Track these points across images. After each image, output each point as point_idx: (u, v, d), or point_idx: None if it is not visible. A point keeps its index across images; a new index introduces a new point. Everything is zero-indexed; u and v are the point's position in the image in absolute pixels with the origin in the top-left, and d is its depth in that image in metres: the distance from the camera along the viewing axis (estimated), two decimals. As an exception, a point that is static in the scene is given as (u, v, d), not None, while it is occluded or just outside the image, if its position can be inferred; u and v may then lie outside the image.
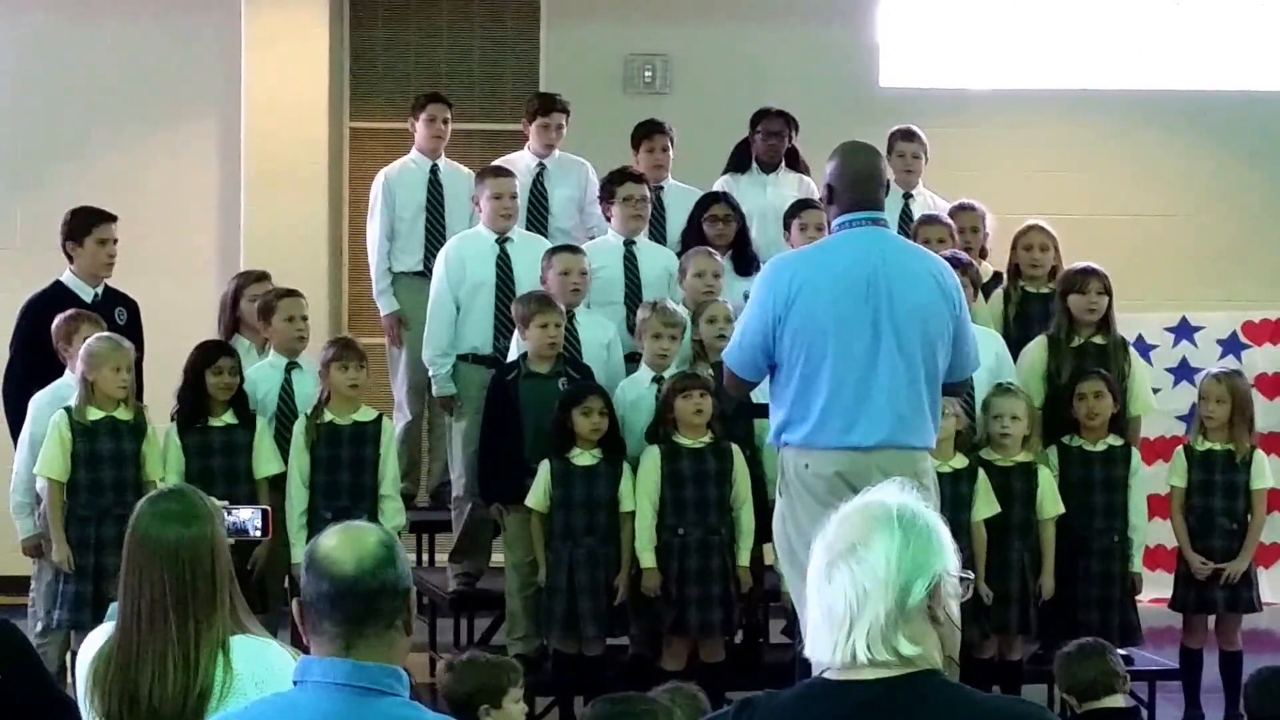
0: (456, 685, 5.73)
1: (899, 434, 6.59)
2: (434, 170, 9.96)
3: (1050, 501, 8.33)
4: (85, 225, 9.02)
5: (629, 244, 9.23)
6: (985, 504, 8.18)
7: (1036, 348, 8.69)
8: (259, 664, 4.02)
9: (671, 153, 9.83)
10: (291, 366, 8.64)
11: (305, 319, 8.70)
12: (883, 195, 6.86)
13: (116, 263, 9.09)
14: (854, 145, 6.92)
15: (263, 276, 9.12)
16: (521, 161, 9.87)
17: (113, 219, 9.06)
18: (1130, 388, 8.68)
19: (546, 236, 9.51)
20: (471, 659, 5.91)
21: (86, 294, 8.97)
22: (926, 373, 6.66)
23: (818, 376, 6.54)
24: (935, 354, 6.68)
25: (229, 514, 4.43)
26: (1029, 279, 9.07)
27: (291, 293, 8.75)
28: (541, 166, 9.90)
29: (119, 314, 8.99)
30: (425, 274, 9.51)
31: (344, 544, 3.35)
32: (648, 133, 9.86)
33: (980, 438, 8.40)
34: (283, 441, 8.42)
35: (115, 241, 9.04)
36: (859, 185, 6.69)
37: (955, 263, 8.55)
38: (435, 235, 9.79)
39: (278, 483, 8.32)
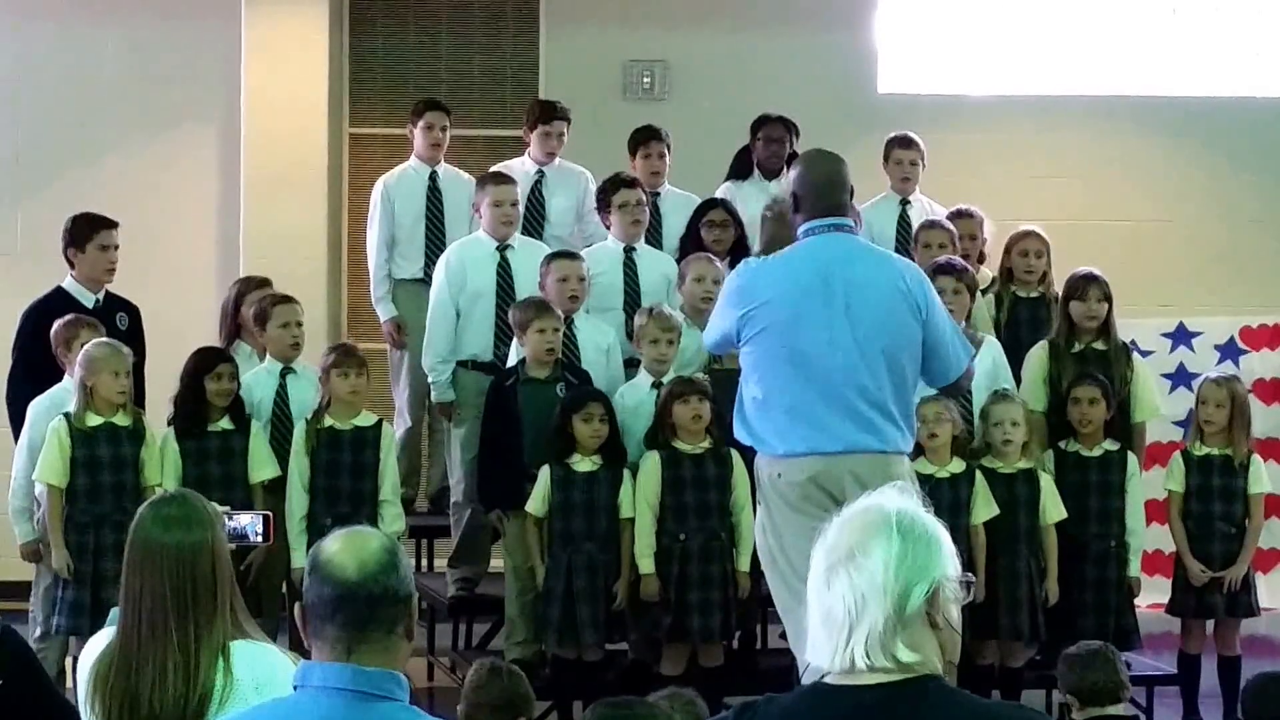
0: (479, 695, 5.70)
1: (865, 438, 6.60)
2: (433, 177, 9.94)
3: (1052, 507, 8.35)
4: (86, 232, 9.02)
5: (628, 250, 9.23)
6: (984, 506, 8.21)
7: (1039, 353, 8.70)
8: (259, 669, 4.02)
9: (668, 159, 9.82)
10: (287, 371, 8.66)
11: (300, 325, 8.72)
12: (847, 200, 6.86)
13: (117, 268, 9.10)
14: (817, 153, 6.98)
15: (263, 283, 9.14)
16: (521, 168, 9.86)
17: (114, 225, 9.06)
18: (1134, 393, 8.68)
19: (544, 243, 9.50)
20: (486, 681, 5.83)
21: (88, 300, 8.97)
22: (892, 377, 6.68)
23: (780, 385, 6.59)
24: (900, 358, 6.70)
25: (229, 519, 4.44)
26: (1021, 284, 9.09)
27: (286, 299, 8.77)
28: (541, 174, 9.88)
29: (120, 319, 8.99)
30: (426, 281, 9.51)
31: (347, 549, 3.36)
32: (644, 139, 9.84)
33: (979, 445, 8.41)
34: (278, 446, 8.44)
35: (116, 248, 9.03)
36: (821, 192, 6.74)
37: (952, 268, 8.61)
38: (435, 242, 9.78)
39: (273, 487, 8.33)
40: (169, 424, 8.38)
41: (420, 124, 9.95)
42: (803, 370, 6.57)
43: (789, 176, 6.89)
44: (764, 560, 6.85)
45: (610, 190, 9.27)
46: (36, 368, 8.69)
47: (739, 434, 6.91)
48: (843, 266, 6.65)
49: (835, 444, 6.55)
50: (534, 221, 9.78)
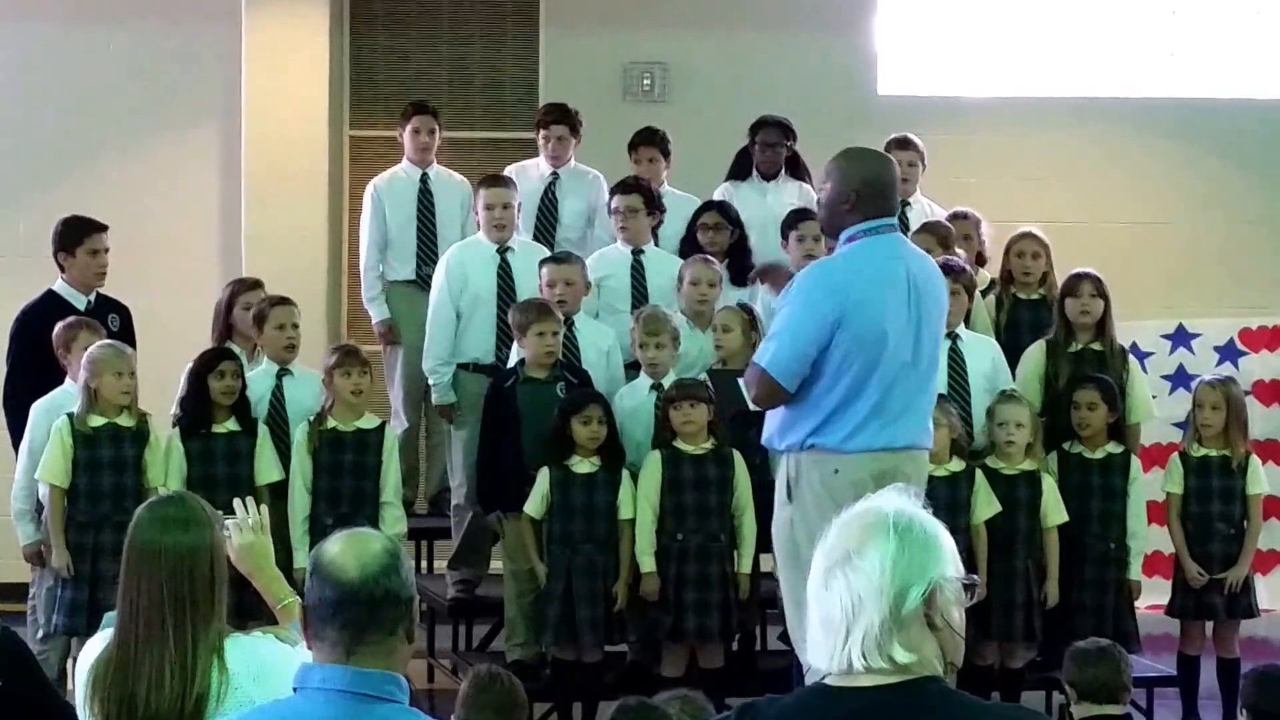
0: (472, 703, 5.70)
1: (922, 435, 6.80)
2: (424, 179, 9.91)
3: (1054, 509, 8.35)
4: (76, 236, 8.99)
5: (637, 253, 9.22)
6: (986, 505, 8.21)
7: (1035, 352, 8.71)
8: (253, 659, 4.05)
9: (665, 161, 9.82)
10: (283, 373, 8.66)
11: (296, 327, 8.72)
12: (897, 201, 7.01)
13: (118, 270, 9.09)
14: (874, 152, 7.05)
15: (256, 284, 9.12)
16: (535, 170, 9.86)
17: (103, 229, 9.04)
18: (1129, 395, 8.69)
19: (555, 246, 9.48)
20: (483, 687, 5.82)
21: (79, 302, 8.95)
22: (935, 375, 6.89)
23: (869, 380, 6.60)
24: (939, 357, 6.94)
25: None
26: (1020, 285, 9.10)
27: (283, 301, 8.78)
28: (555, 176, 9.85)
29: (112, 320, 8.97)
30: (418, 282, 9.53)
31: (348, 551, 3.37)
32: (640, 142, 9.85)
33: (983, 445, 8.41)
34: (274, 447, 8.44)
35: (107, 251, 9.01)
36: (885, 192, 6.76)
37: (949, 269, 8.60)
38: (427, 244, 9.77)
39: (278, 491, 8.33)
40: (174, 424, 8.39)
41: (408, 128, 9.94)
42: (892, 368, 6.61)
43: (838, 173, 6.77)
44: (783, 555, 6.82)
45: (609, 195, 9.30)
46: (31, 370, 8.69)
47: (785, 435, 6.77)
48: (915, 266, 6.76)
49: (901, 439, 6.65)
50: (546, 224, 9.77)
